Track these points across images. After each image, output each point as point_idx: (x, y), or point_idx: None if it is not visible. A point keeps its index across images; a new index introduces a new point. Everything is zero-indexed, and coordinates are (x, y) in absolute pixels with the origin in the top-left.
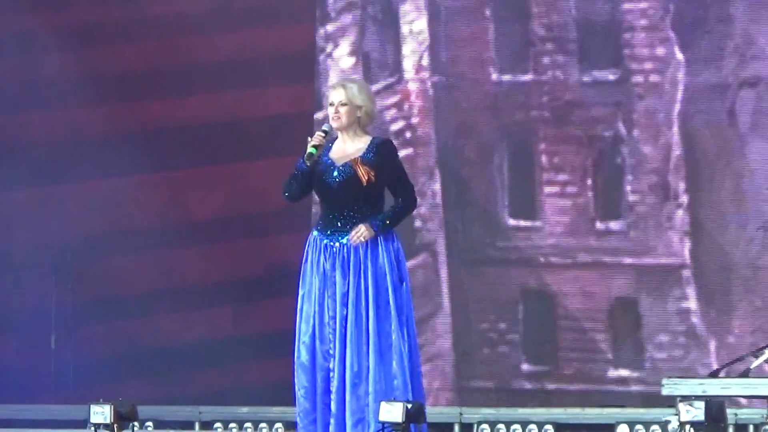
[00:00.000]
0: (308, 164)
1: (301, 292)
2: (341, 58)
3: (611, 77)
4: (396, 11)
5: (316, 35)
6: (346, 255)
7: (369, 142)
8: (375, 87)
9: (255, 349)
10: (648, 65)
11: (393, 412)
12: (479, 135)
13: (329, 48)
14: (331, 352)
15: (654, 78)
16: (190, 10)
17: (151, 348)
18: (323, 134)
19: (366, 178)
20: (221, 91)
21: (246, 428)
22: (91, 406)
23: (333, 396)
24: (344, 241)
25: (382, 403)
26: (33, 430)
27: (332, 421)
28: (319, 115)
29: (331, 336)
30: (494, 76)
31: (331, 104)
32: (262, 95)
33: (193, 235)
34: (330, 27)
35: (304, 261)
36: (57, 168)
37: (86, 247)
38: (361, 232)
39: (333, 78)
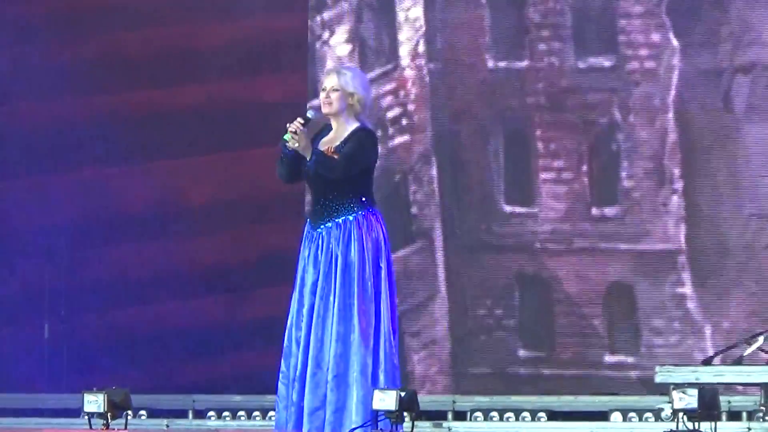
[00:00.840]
0: (289, 149)
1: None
2: (337, 45)
3: (607, 63)
4: None
5: (312, 22)
6: (320, 243)
7: (351, 131)
8: (371, 74)
9: (249, 338)
10: (643, 51)
11: (386, 400)
12: (475, 121)
13: (326, 35)
14: (299, 340)
15: (649, 64)
16: None
17: (144, 336)
18: (302, 121)
19: None
20: (215, 79)
21: (239, 416)
22: (85, 394)
23: (296, 384)
24: (320, 229)
25: (375, 392)
26: (26, 419)
27: (292, 408)
28: (314, 102)
29: (302, 324)
30: (490, 63)
31: (323, 89)
32: (255, 83)
33: (187, 222)
34: (326, 14)
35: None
36: (51, 155)
37: (80, 235)
38: (298, 137)
39: (329, 65)
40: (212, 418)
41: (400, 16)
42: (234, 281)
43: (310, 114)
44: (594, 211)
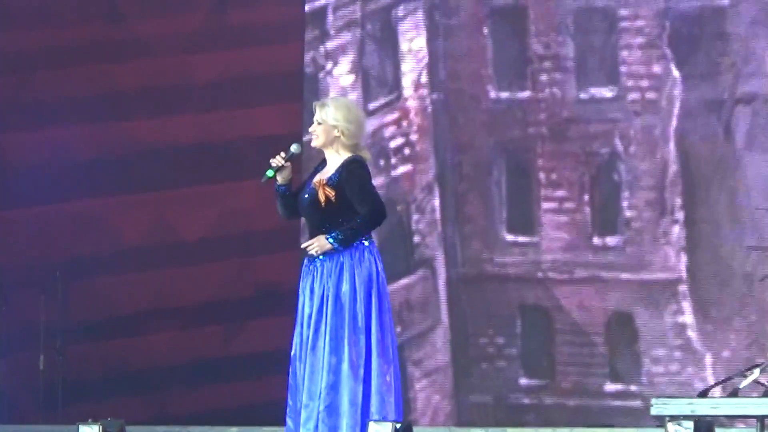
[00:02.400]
0: (278, 184)
1: None
2: (341, 75)
3: (608, 94)
4: (395, 29)
5: (316, 53)
6: (315, 275)
7: (341, 163)
8: (374, 104)
9: (244, 369)
10: (644, 82)
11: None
12: (477, 151)
13: (329, 66)
14: (300, 372)
15: (650, 95)
16: (178, 30)
17: (140, 368)
18: (284, 156)
19: (323, 199)
20: (209, 111)
21: None
22: (80, 426)
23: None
24: (315, 262)
25: (370, 423)
26: None
27: None
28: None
29: (302, 356)
30: (492, 93)
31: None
32: (250, 115)
33: (182, 254)
34: (330, 45)
35: None
36: (45, 187)
37: (75, 267)
38: (313, 244)
39: (333, 95)
40: None
41: (404, 46)
42: (229, 313)
43: (293, 148)
44: (596, 240)
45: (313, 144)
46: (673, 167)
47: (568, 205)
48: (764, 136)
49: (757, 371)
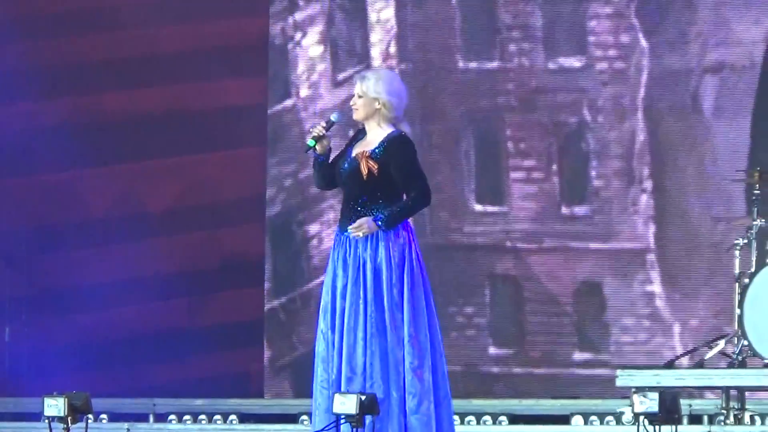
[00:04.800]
0: (317, 154)
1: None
2: (310, 46)
3: (576, 64)
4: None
5: (284, 24)
6: (347, 248)
7: (384, 136)
8: (343, 75)
9: (210, 341)
10: (612, 52)
11: (347, 404)
12: (446, 122)
13: (298, 36)
14: (334, 343)
15: (618, 65)
16: (144, 1)
17: (105, 340)
18: (325, 125)
19: (366, 172)
20: (175, 83)
21: (200, 420)
22: (45, 398)
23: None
24: (347, 233)
25: (336, 395)
26: None
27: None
28: (289, 103)
29: (335, 328)
30: (461, 64)
31: (352, 95)
32: (216, 87)
33: (148, 226)
34: (298, 16)
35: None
36: (11, 160)
37: (41, 239)
38: (358, 225)
39: (302, 66)
40: (173, 422)
41: (372, 17)
42: (195, 285)
43: (333, 117)
44: (564, 210)
45: (354, 117)
46: (641, 136)
47: (536, 174)
48: (732, 104)
49: (722, 342)
